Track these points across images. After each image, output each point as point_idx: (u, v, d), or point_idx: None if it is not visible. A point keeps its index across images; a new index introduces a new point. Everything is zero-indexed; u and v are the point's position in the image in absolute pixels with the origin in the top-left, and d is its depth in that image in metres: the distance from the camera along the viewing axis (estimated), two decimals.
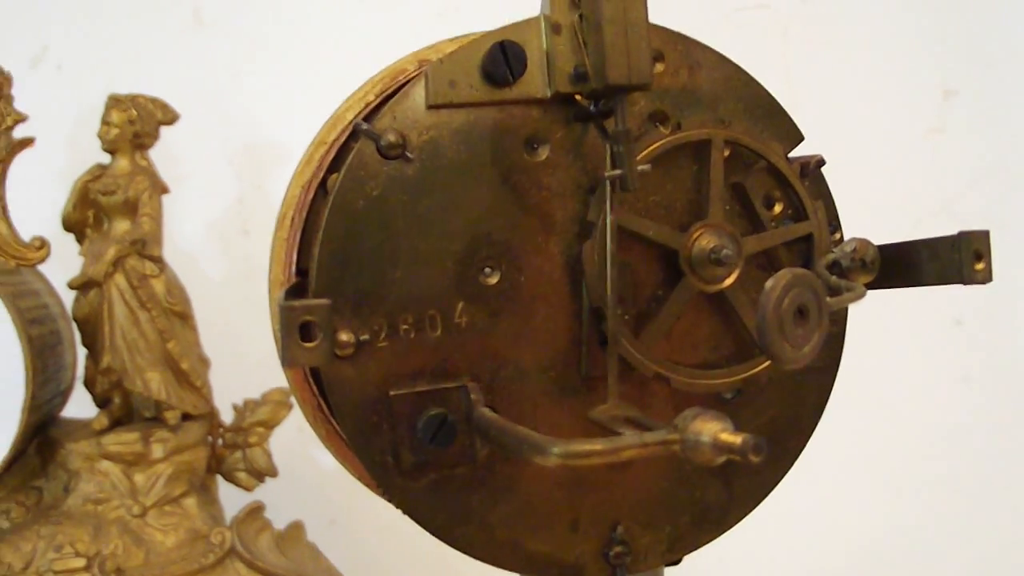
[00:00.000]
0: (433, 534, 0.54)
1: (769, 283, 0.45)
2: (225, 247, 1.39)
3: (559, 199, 0.54)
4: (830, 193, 0.59)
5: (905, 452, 1.37)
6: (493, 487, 0.54)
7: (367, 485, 0.66)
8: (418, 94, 0.52)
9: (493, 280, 0.53)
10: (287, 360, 0.45)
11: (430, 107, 0.52)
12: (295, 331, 0.45)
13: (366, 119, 0.55)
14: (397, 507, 0.54)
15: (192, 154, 1.27)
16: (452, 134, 0.52)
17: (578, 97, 0.53)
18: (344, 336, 0.50)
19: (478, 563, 1.32)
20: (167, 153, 1.15)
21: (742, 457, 0.43)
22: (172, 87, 1.15)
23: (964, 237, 0.55)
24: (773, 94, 0.58)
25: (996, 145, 1.36)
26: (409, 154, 0.51)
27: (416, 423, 0.52)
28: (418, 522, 0.53)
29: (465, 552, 0.54)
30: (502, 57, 0.52)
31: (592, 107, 0.53)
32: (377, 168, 0.51)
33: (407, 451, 0.52)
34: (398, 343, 0.52)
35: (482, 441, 0.52)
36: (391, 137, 0.51)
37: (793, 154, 0.59)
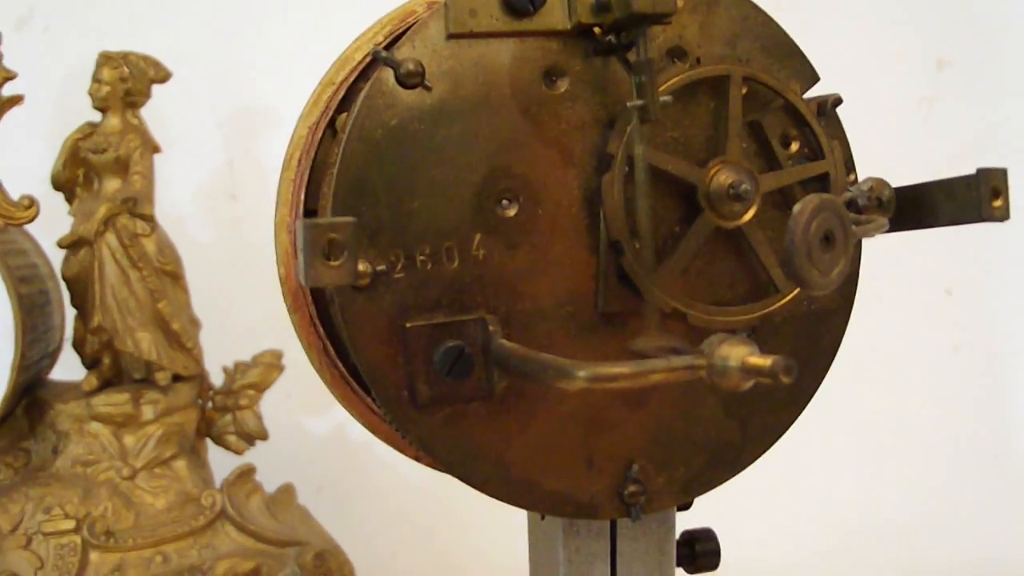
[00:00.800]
0: (447, 470, 0.53)
1: (797, 207, 0.44)
2: (213, 211, 1.38)
3: (578, 132, 0.53)
4: (845, 133, 0.59)
5: (895, 422, 1.37)
6: (509, 423, 0.53)
7: (371, 429, 0.65)
8: (438, 24, 0.52)
9: (511, 212, 0.52)
10: (310, 278, 0.44)
11: (450, 36, 0.51)
12: (320, 249, 0.44)
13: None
14: (411, 443, 0.53)
15: (181, 117, 1.26)
16: (471, 64, 0.52)
17: (596, 30, 0.53)
18: (361, 266, 0.49)
19: (464, 529, 1.33)
20: (156, 116, 1.14)
21: (772, 379, 0.42)
22: (161, 49, 1.14)
23: (983, 174, 0.55)
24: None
25: (988, 115, 1.36)
26: (428, 83, 0.51)
27: (432, 356, 0.51)
28: (433, 457, 0.53)
29: (480, 489, 0.54)
30: None
31: (613, 39, 0.52)
32: (396, 97, 0.51)
33: (423, 384, 0.51)
34: (415, 274, 0.51)
35: (500, 374, 0.51)
36: (410, 65, 0.50)
37: (808, 94, 0.58)
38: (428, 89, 0.51)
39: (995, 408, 1.42)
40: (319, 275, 0.44)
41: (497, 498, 0.54)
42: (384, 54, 0.51)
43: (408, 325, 0.51)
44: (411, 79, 0.51)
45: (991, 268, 1.38)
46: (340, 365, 0.64)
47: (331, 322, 0.63)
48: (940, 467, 1.39)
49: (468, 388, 0.52)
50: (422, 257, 0.51)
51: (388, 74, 0.51)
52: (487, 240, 0.52)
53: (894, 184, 0.59)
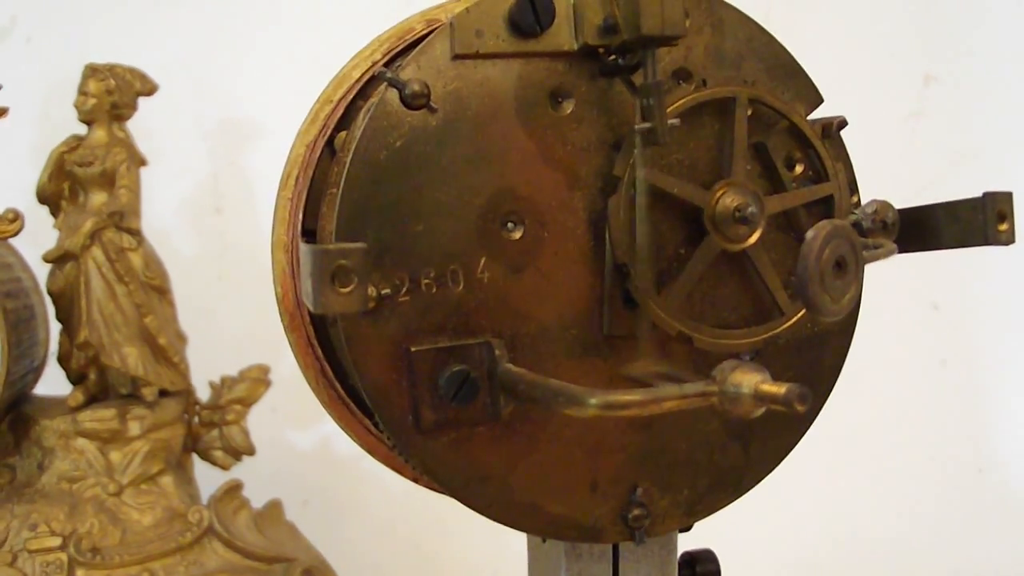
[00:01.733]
0: (452, 495, 0.53)
1: (810, 234, 0.44)
2: (198, 224, 1.37)
3: (583, 154, 0.53)
4: (848, 156, 0.59)
5: (881, 435, 1.37)
6: (513, 447, 0.53)
7: (368, 451, 0.65)
8: (442, 44, 0.51)
9: (516, 235, 0.52)
10: (320, 306, 0.43)
11: (455, 57, 0.51)
12: (329, 276, 0.43)
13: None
14: (414, 467, 0.53)
15: (165, 130, 1.25)
16: (476, 85, 0.51)
17: (602, 52, 0.52)
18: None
19: (452, 543, 1.32)
20: (140, 128, 1.13)
21: (786, 407, 0.42)
22: (145, 61, 1.13)
23: (988, 198, 0.55)
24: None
25: (975, 130, 1.37)
26: (433, 104, 0.50)
27: (437, 380, 0.50)
28: (437, 481, 0.52)
29: (483, 513, 0.53)
30: (530, 7, 0.51)
31: (619, 60, 0.52)
32: (400, 118, 0.50)
33: (427, 409, 0.51)
34: (419, 298, 0.50)
35: (506, 398, 0.51)
36: (416, 87, 0.50)
37: (811, 116, 0.58)
38: (433, 111, 0.51)
39: (981, 422, 1.43)
40: (329, 302, 0.43)
41: (501, 522, 0.54)
42: (389, 75, 0.50)
43: (413, 349, 0.50)
44: (416, 100, 0.50)
45: (978, 283, 1.39)
46: (338, 386, 0.63)
47: (328, 342, 0.62)
48: (925, 481, 1.39)
49: (473, 412, 0.51)
50: (427, 280, 0.51)
51: (393, 95, 0.50)
52: (492, 263, 0.51)
53: (897, 206, 0.59)
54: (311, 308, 0.45)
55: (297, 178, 0.63)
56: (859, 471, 1.36)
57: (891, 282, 1.17)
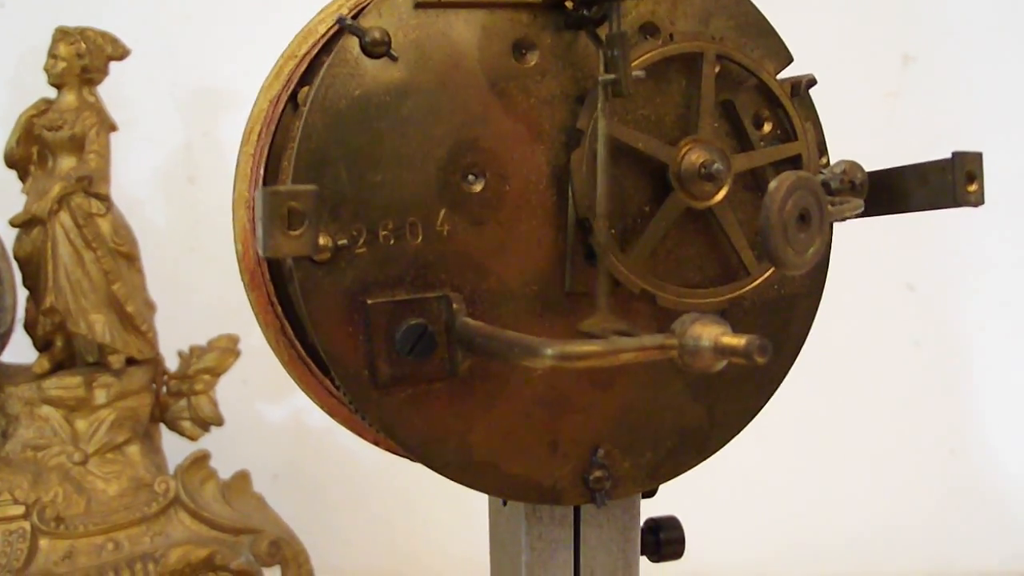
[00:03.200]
0: (408, 453, 0.52)
1: (772, 184, 0.43)
2: (170, 194, 1.36)
3: (547, 107, 0.52)
4: (817, 115, 0.58)
5: (854, 416, 1.37)
6: (472, 405, 0.52)
7: (329, 412, 0.64)
8: None
9: (477, 188, 0.51)
10: (269, 248, 0.42)
11: (417, 6, 0.50)
12: (279, 218, 0.42)
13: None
14: (371, 424, 0.52)
15: (138, 98, 1.24)
16: (439, 35, 0.50)
17: (568, 3, 0.52)
18: (321, 240, 0.48)
19: (421, 516, 1.31)
20: (113, 95, 1.12)
21: (747, 359, 0.41)
22: (120, 29, 1.12)
23: (958, 158, 0.55)
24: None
25: (952, 110, 1.36)
26: (394, 53, 0.49)
27: (394, 334, 0.49)
28: (393, 439, 0.51)
29: (440, 472, 0.52)
30: None
31: (585, 12, 0.51)
32: (360, 67, 0.49)
33: (384, 363, 0.50)
34: (377, 250, 0.49)
35: (464, 353, 0.50)
36: (376, 34, 0.49)
37: (781, 75, 0.57)
38: (394, 59, 0.50)
39: (954, 403, 1.42)
40: (279, 245, 0.42)
41: (458, 482, 0.53)
42: (350, 22, 0.49)
43: (369, 302, 0.49)
44: (377, 48, 0.49)
45: (953, 264, 1.38)
46: (298, 345, 0.62)
47: (290, 301, 0.61)
48: (898, 461, 1.39)
49: (431, 368, 0.50)
50: (385, 232, 0.50)
51: (353, 43, 0.49)
52: (452, 216, 0.50)
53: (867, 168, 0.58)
54: (260, 252, 0.44)
55: (260, 134, 0.62)
56: (831, 451, 1.36)
57: (866, 262, 1.16)
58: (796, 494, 1.37)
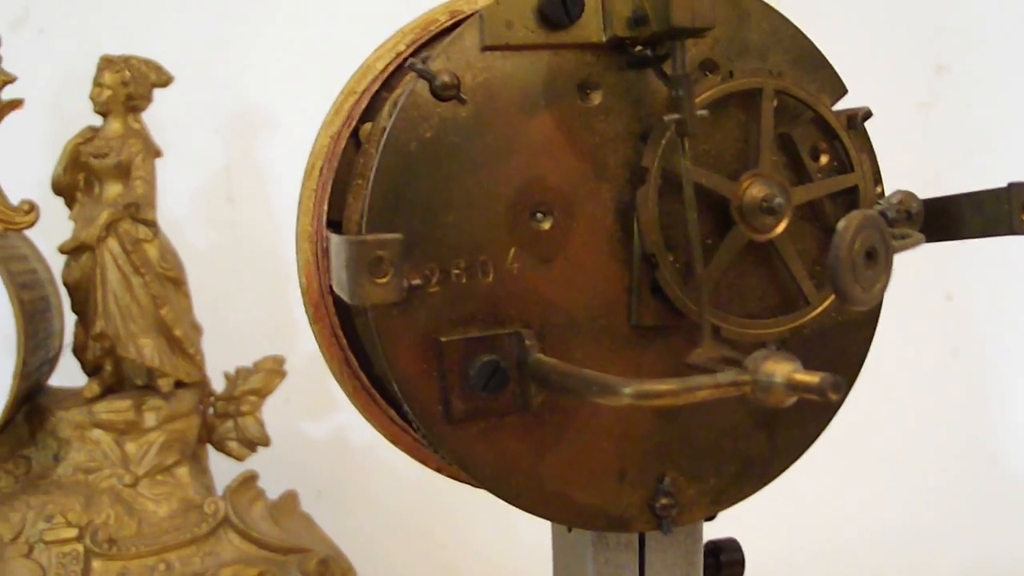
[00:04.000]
0: (481, 485, 0.53)
1: (841, 224, 0.44)
2: (210, 215, 1.37)
3: (611, 145, 0.53)
4: (872, 146, 0.59)
5: (895, 425, 1.38)
6: (542, 437, 0.53)
7: (392, 440, 0.65)
8: (472, 35, 0.51)
9: (545, 225, 0.52)
10: (357, 297, 0.44)
11: (485, 48, 0.51)
12: (365, 267, 0.43)
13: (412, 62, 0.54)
14: (444, 458, 0.53)
15: (178, 120, 1.25)
16: (506, 77, 0.52)
17: (629, 43, 0.53)
18: None
19: (463, 531, 1.32)
20: (152, 119, 1.13)
21: (820, 396, 0.42)
22: (158, 52, 1.13)
23: (1014, 188, 0.55)
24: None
25: (986, 120, 1.37)
26: (463, 96, 0.51)
27: (468, 370, 0.51)
28: (466, 471, 0.52)
29: (513, 503, 0.53)
30: None
31: (648, 52, 0.52)
32: (430, 109, 0.50)
33: (458, 399, 0.51)
34: (450, 288, 0.51)
35: (537, 388, 0.51)
36: (446, 78, 0.50)
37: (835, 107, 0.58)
38: (463, 102, 0.51)
39: (994, 411, 1.43)
40: (366, 294, 0.44)
41: (530, 512, 0.54)
42: (420, 66, 0.50)
43: (443, 340, 0.50)
44: (446, 91, 0.50)
45: (991, 273, 1.39)
46: (362, 376, 0.63)
47: (353, 333, 0.63)
48: (938, 470, 1.39)
49: (503, 402, 0.51)
50: (457, 271, 0.51)
51: (423, 86, 0.50)
52: (522, 253, 0.52)
53: (921, 197, 0.59)
54: (347, 299, 0.45)
55: (322, 169, 0.64)
56: (872, 460, 1.37)
57: (904, 272, 1.17)
58: (836, 500, 1.37)
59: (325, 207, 0.62)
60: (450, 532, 1.35)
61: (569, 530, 0.61)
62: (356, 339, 0.62)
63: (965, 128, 1.36)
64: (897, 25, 1.37)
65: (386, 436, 0.65)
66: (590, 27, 0.52)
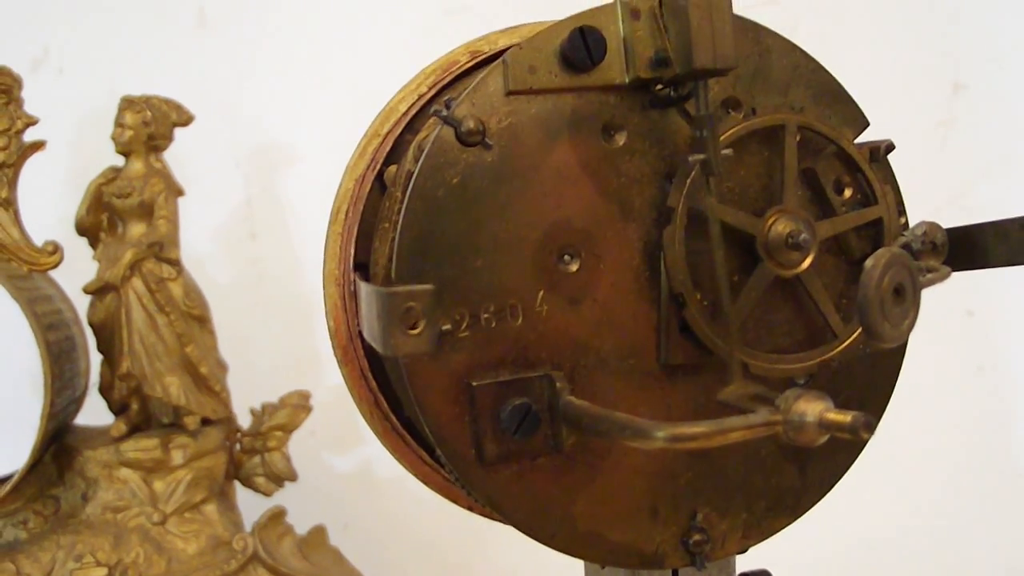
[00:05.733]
0: (515, 526, 0.53)
1: (869, 262, 0.45)
2: (232, 251, 1.38)
3: (637, 185, 0.53)
4: (895, 178, 0.59)
5: (921, 443, 1.37)
6: (575, 478, 0.53)
7: (424, 481, 0.65)
8: (496, 81, 0.52)
9: (573, 268, 0.52)
10: (390, 348, 0.44)
11: (509, 93, 0.52)
12: (397, 318, 0.44)
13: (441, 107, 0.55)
14: (478, 500, 0.53)
15: (198, 157, 1.26)
16: (530, 120, 0.52)
17: (652, 83, 0.53)
18: None
19: (493, 563, 1.32)
20: (173, 156, 1.14)
21: (852, 435, 0.42)
22: (177, 89, 1.14)
23: None
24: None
25: (1005, 138, 1.36)
26: (489, 141, 0.51)
27: (499, 413, 0.51)
28: (500, 513, 0.52)
29: (547, 544, 0.54)
30: (582, 43, 0.51)
31: (671, 93, 0.52)
32: (456, 155, 0.51)
33: (490, 442, 0.51)
34: (480, 333, 0.51)
35: (569, 430, 0.51)
36: (471, 124, 0.51)
37: (857, 140, 0.59)
38: (488, 147, 0.51)
39: (1019, 427, 1.42)
40: (399, 345, 0.44)
41: (564, 552, 0.54)
42: (445, 113, 0.51)
43: (474, 383, 0.51)
44: (472, 137, 0.51)
45: (1012, 290, 1.38)
46: (392, 418, 0.64)
47: (383, 374, 0.63)
48: (964, 487, 1.39)
49: (535, 445, 0.51)
50: (487, 315, 0.51)
51: (448, 132, 0.51)
52: (550, 296, 0.52)
53: (929, 216, 0.59)
54: (380, 351, 0.46)
55: (347, 213, 0.64)
56: (898, 478, 1.36)
57: (926, 290, 1.17)
58: (861, 519, 1.37)
59: (352, 250, 0.63)
60: (481, 564, 1.35)
61: (603, 567, 0.61)
62: (386, 381, 0.63)
63: (985, 145, 1.36)
64: (914, 44, 1.37)
65: (417, 476, 0.65)
66: (613, 69, 0.52)
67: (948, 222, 0.59)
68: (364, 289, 0.48)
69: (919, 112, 1.36)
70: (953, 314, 1.39)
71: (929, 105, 1.38)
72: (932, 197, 1.29)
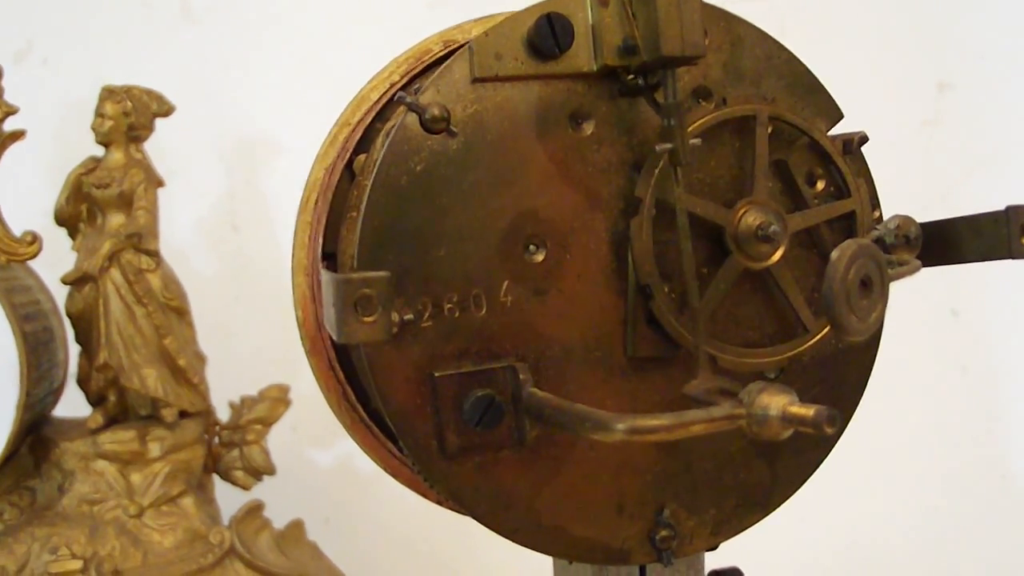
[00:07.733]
0: (478, 520, 0.52)
1: (835, 254, 0.44)
2: (215, 243, 1.37)
3: (604, 175, 0.53)
4: (869, 171, 0.59)
5: (903, 443, 1.37)
6: (538, 471, 0.52)
7: (392, 474, 0.65)
8: (462, 68, 0.51)
9: (539, 258, 0.52)
10: (344, 335, 0.43)
11: (475, 80, 0.51)
12: (352, 305, 0.43)
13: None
14: (440, 492, 0.53)
15: (181, 149, 1.25)
16: (496, 108, 0.51)
17: (620, 72, 0.52)
18: None
19: (474, 560, 1.32)
20: (155, 148, 1.13)
21: (815, 429, 0.42)
22: (160, 81, 1.13)
23: (1012, 211, 0.55)
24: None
25: (990, 137, 1.36)
26: (453, 128, 0.50)
27: (462, 405, 0.50)
28: (463, 507, 0.52)
29: (510, 538, 0.53)
30: (549, 30, 0.51)
31: (640, 81, 0.52)
32: (421, 143, 0.50)
33: (452, 434, 0.50)
34: (442, 323, 0.50)
35: (532, 422, 0.50)
36: (435, 111, 0.50)
37: (831, 132, 0.58)
38: (453, 134, 0.50)
39: (1003, 428, 1.42)
40: (353, 332, 0.43)
41: (528, 547, 0.53)
42: (409, 99, 0.50)
43: (437, 374, 0.50)
44: (436, 124, 0.50)
45: (996, 289, 1.38)
46: (360, 409, 0.63)
47: (350, 365, 0.62)
48: (948, 488, 1.38)
49: (498, 437, 0.51)
50: (449, 305, 0.50)
51: (413, 119, 0.50)
52: (515, 286, 0.51)
53: (914, 215, 0.58)
54: (335, 338, 0.45)
55: (316, 202, 0.63)
56: (881, 479, 1.36)
57: (909, 289, 1.16)
58: (843, 521, 1.37)
59: (320, 240, 0.62)
60: (460, 558, 1.35)
61: (570, 563, 0.61)
62: (354, 372, 0.62)
63: (969, 145, 1.35)
64: (899, 43, 1.36)
65: (386, 469, 0.65)
66: (580, 57, 0.52)
67: None
68: (324, 277, 0.47)
69: (904, 111, 1.36)
70: (937, 314, 1.38)
71: (914, 105, 1.37)
72: (917, 197, 1.29)
